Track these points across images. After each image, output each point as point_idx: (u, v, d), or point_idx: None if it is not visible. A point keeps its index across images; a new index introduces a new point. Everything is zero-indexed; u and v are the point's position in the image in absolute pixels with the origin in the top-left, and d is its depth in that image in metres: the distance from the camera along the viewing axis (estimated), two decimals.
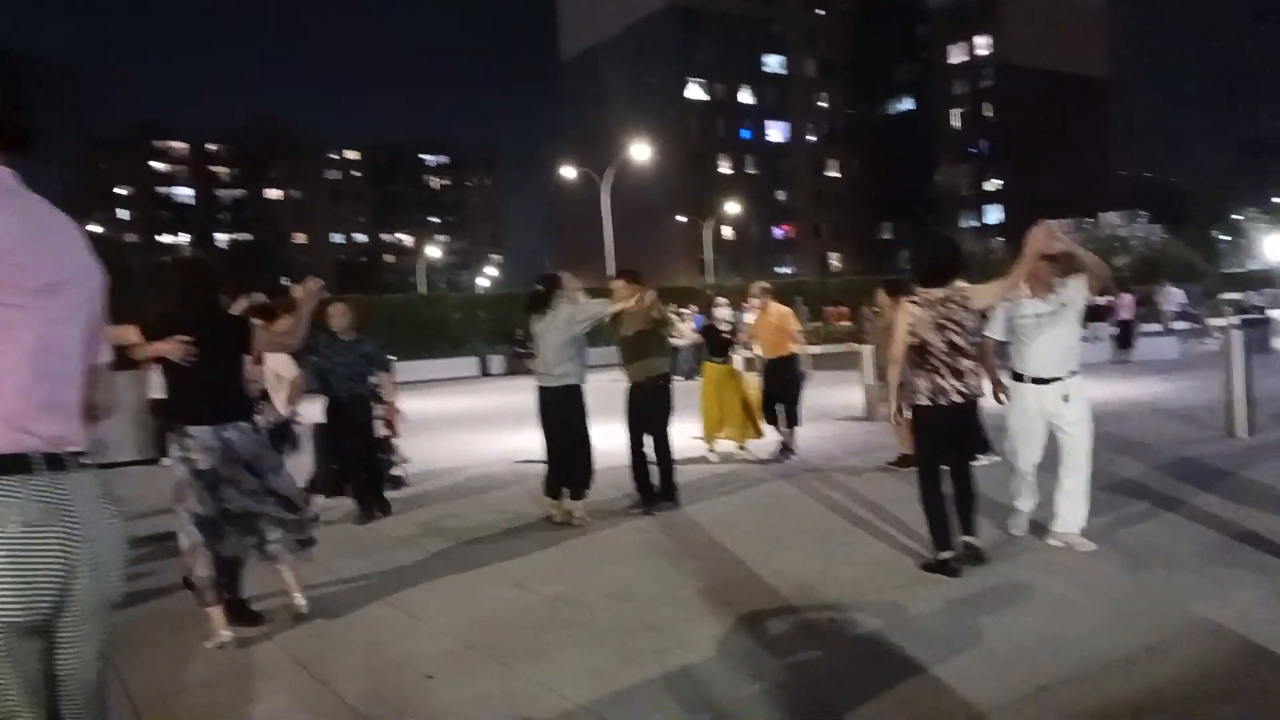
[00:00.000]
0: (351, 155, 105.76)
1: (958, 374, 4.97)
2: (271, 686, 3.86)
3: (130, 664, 4.11)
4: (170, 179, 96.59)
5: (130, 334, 4.27)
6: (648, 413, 6.97)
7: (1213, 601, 4.19)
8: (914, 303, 5.05)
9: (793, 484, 7.79)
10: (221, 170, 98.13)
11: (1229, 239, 71.08)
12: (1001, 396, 5.47)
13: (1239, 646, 3.70)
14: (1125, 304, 20.79)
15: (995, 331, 5.45)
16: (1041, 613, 4.24)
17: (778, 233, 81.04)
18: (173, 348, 4.25)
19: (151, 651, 4.35)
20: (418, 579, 5.39)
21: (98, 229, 38.02)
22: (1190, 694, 3.31)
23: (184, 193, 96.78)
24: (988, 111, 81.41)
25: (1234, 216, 70.98)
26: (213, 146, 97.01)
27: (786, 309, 9.29)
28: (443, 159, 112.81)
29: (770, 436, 9.16)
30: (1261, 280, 50.20)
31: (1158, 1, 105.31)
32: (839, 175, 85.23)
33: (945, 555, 4.91)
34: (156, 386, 11.43)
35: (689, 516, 6.70)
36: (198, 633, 4.41)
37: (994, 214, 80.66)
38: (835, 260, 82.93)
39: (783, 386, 9.01)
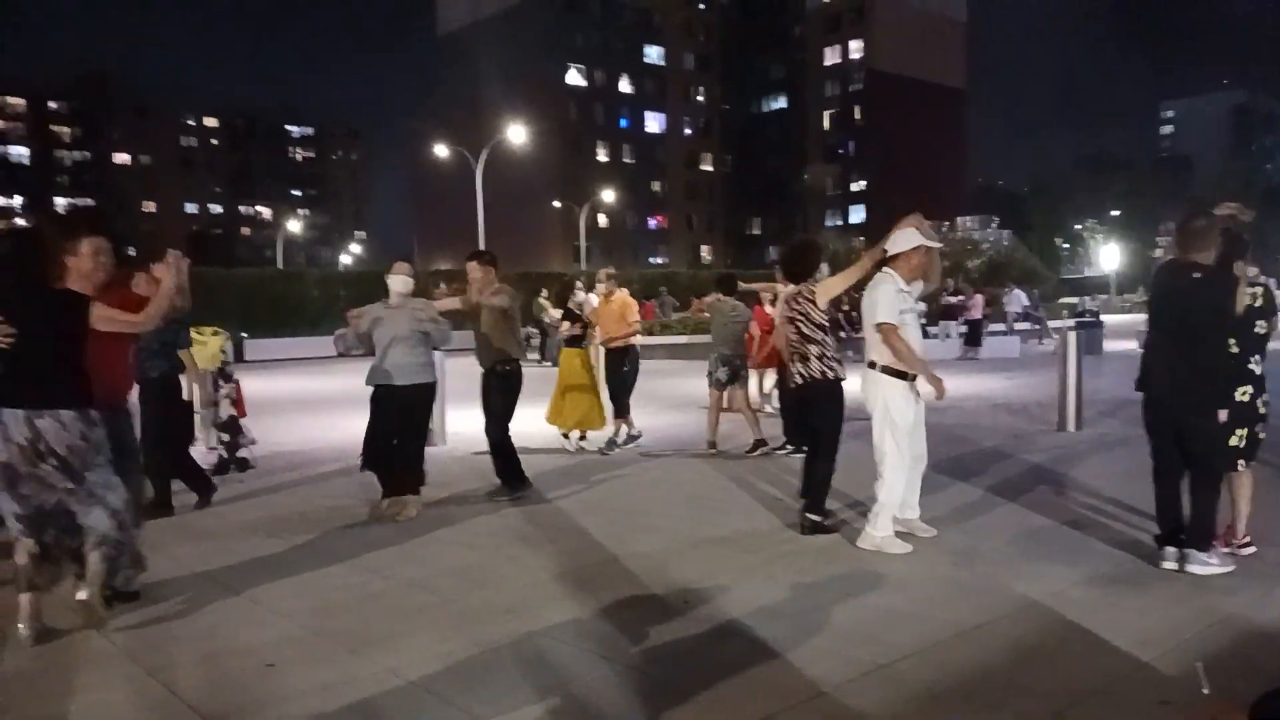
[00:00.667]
0: (209, 122, 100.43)
1: (804, 359, 5.55)
2: (101, 678, 3.62)
3: None
4: (3, 136, 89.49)
5: None
6: (488, 399, 6.86)
7: (1034, 582, 4.49)
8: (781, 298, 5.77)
9: (650, 469, 7.88)
10: (63, 130, 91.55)
11: (1069, 247, 76.08)
12: (937, 389, 5.23)
13: (1055, 622, 3.98)
14: (976, 304, 21.92)
15: (888, 316, 5.16)
16: (884, 593, 4.43)
17: (652, 223, 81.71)
18: None
19: None
20: (262, 565, 5.17)
21: None
22: (1013, 664, 3.53)
23: (19, 151, 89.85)
24: (856, 114, 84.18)
25: (1075, 226, 76.04)
26: (54, 105, 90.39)
27: (629, 299, 9.23)
28: (307, 130, 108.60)
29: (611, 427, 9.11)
30: (1096, 287, 53.96)
31: (1012, 20, 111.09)
32: (712, 169, 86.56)
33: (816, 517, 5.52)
34: None
35: (548, 502, 6.68)
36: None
37: (858, 214, 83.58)
38: (706, 252, 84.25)
39: (614, 376, 9.07)
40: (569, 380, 8.92)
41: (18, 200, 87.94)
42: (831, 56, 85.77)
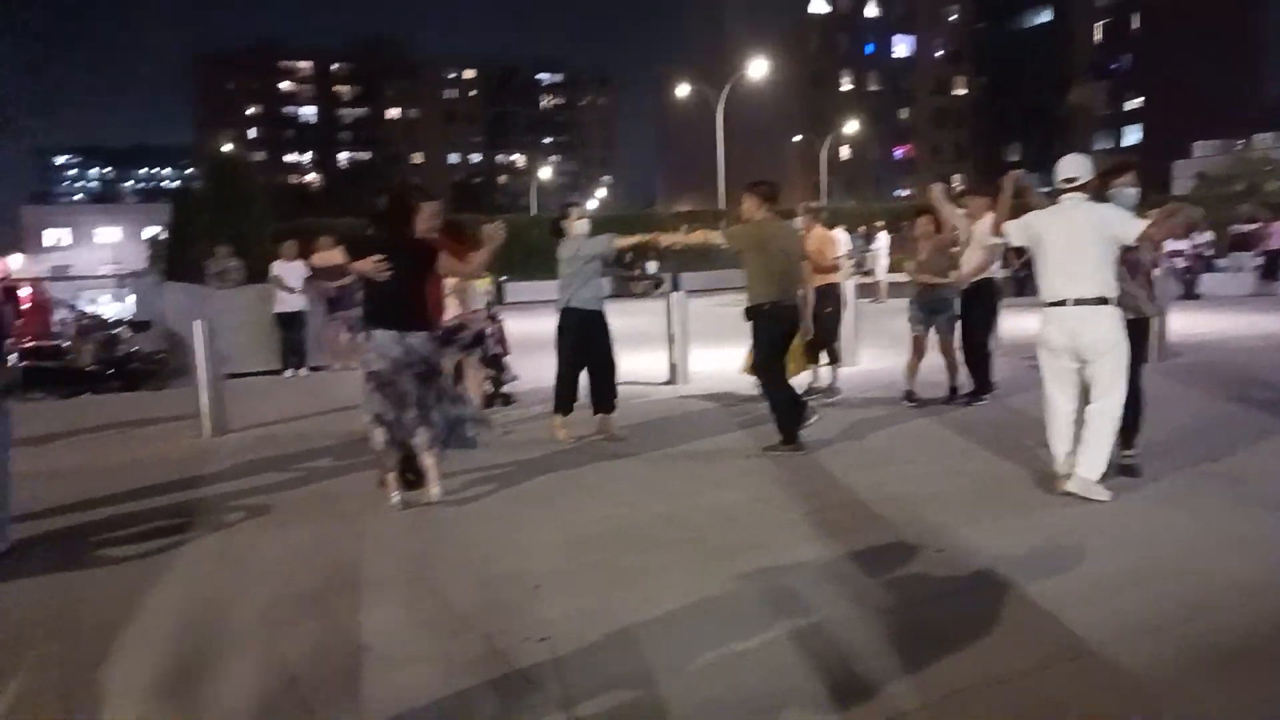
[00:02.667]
0: (468, 75, 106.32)
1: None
2: (385, 596, 4.01)
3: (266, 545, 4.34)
4: (294, 98, 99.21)
5: (337, 255, 5.33)
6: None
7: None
8: None
9: (893, 415, 7.61)
10: (342, 90, 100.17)
11: None
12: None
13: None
14: (1276, 232, 19.36)
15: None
16: (1154, 546, 4.06)
17: (897, 153, 78.20)
18: (369, 265, 5.00)
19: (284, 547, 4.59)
20: (528, 495, 5.50)
21: (229, 148, 39.49)
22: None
23: (307, 112, 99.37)
24: (1133, 23, 75.86)
25: None
26: (334, 66, 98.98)
27: (828, 233, 8.69)
28: (557, 78, 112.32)
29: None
30: None
31: None
32: (964, 93, 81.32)
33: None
34: (281, 301, 11.94)
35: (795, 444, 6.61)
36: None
37: (1133, 134, 75.79)
38: (956, 182, 79.74)
39: (816, 320, 8.14)
40: None
41: (308, 156, 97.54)
42: None
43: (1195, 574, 3.80)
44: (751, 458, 6.21)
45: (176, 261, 22.91)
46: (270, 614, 3.80)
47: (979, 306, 7.77)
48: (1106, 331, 4.78)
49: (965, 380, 7.87)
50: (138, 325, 13.88)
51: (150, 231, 46.49)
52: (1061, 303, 4.83)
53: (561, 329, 6.94)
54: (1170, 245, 18.61)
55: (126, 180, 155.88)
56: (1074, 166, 5.04)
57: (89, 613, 3.88)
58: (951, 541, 4.29)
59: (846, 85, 75.35)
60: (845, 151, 70.69)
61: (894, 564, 4.06)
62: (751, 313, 6.42)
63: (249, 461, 6.77)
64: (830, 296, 8.40)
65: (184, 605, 3.92)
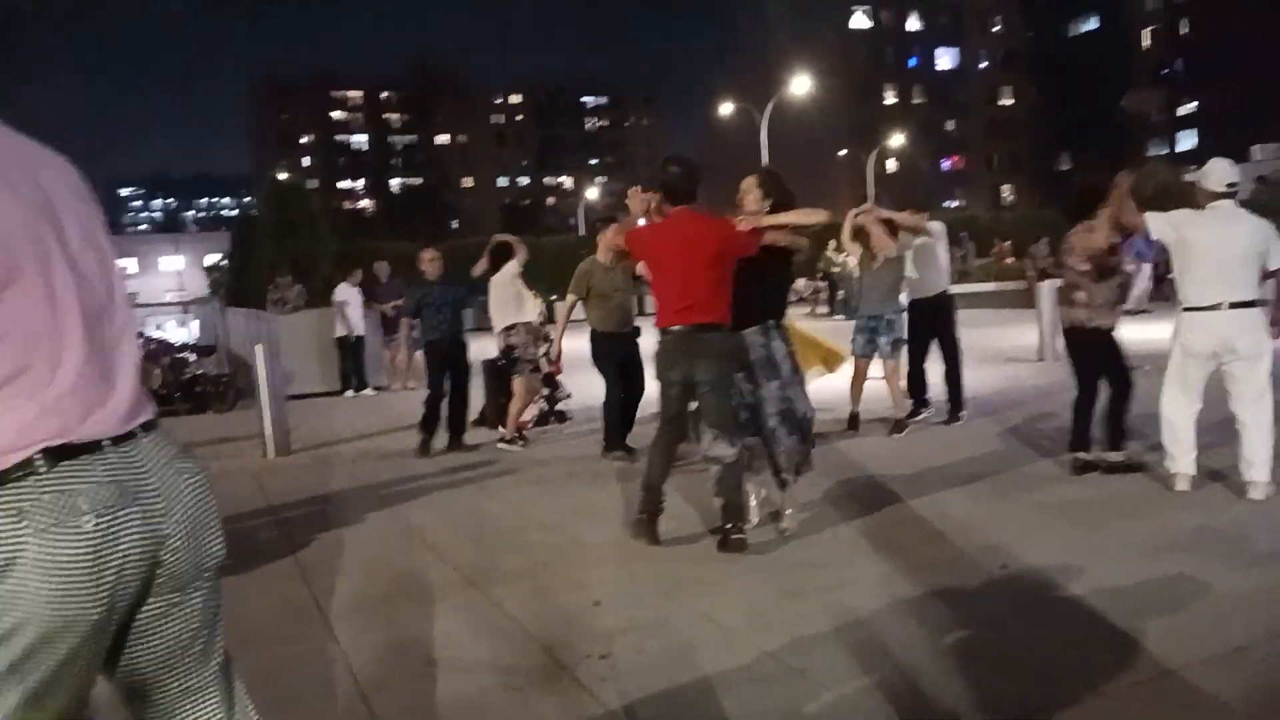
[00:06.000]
0: (515, 99, 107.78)
1: (1071, 303, 5.60)
2: (447, 606, 4.10)
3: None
4: (346, 127, 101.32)
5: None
6: None
7: None
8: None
9: (940, 430, 7.54)
10: (393, 117, 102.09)
11: None
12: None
13: None
14: None
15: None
16: (1236, 568, 3.96)
17: (945, 164, 77.44)
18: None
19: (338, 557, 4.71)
20: (581, 507, 5.58)
21: (284, 176, 40.46)
22: None
23: (359, 139, 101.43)
24: (1184, 28, 74.41)
25: None
26: (385, 94, 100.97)
27: None
28: (602, 100, 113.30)
29: None
30: None
31: None
32: (1013, 103, 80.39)
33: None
34: (341, 325, 12.21)
35: (841, 453, 6.61)
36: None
37: (1188, 139, 74.21)
38: (1008, 192, 78.69)
39: None
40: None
41: (361, 183, 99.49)
42: None
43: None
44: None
45: (238, 287, 23.56)
46: (340, 623, 3.91)
47: (940, 322, 7.63)
48: (1259, 333, 4.87)
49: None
50: (203, 350, 14.28)
51: (212, 259, 47.72)
52: (1215, 306, 4.83)
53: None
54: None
55: (188, 209, 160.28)
56: (1234, 173, 5.11)
57: None
58: (1016, 558, 4.26)
59: (890, 98, 74.91)
60: (891, 164, 70.17)
61: (956, 582, 4.04)
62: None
63: (312, 479, 6.95)
64: None
65: (256, 618, 4.05)
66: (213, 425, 10.39)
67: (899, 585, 4.00)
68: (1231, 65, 69.40)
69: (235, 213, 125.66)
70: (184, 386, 11.96)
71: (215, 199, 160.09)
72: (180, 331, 41.07)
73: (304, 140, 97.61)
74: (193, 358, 13.85)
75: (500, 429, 7.98)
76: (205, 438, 9.35)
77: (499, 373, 8.69)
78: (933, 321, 7.62)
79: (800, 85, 37.25)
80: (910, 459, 6.43)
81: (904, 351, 7.56)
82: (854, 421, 7.52)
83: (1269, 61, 69.47)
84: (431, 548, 4.96)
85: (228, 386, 12.07)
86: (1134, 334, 6.45)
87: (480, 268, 8.04)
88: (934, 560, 4.30)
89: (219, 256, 43.42)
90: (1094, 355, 5.60)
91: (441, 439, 7.75)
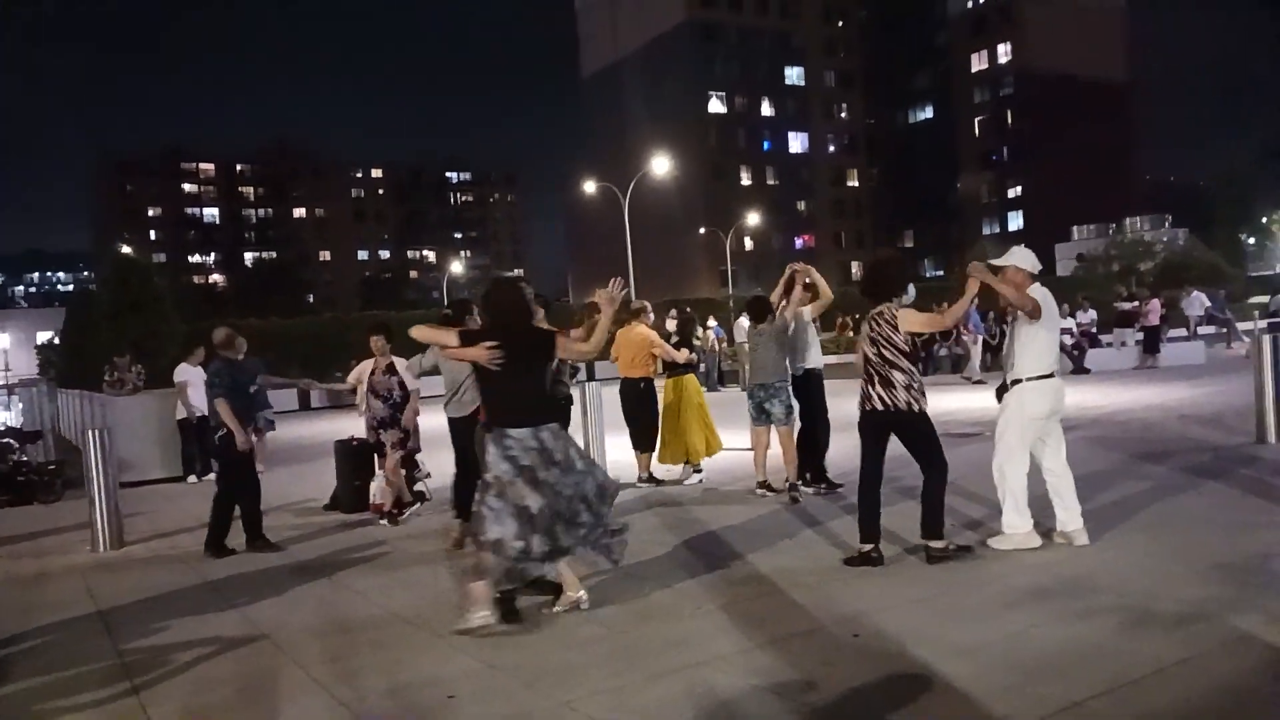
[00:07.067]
0: (376, 174, 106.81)
1: (888, 385, 5.40)
2: (294, 710, 3.86)
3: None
4: (197, 200, 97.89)
5: (449, 337, 4.85)
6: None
7: (1247, 614, 4.10)
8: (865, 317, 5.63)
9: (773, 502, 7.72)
10: (247, 190, 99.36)
11: (1255, 242, 70.22)
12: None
13: (1273, 660, 3.63)
14: (1153, 309, 20.57)
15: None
16: (1066, 622, 4.15)
17: (798, 242, 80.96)
18: (482, 352, 4.69)
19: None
20: (433, 595, 5.38)
21: (128, 250, 38.54)
22: (1224, 710, 3.25)
23: (211, 213, 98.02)
24: (1009, 119, 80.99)
25: (1263, 219, 70.08)
26: (239, 167, 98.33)
27: (647, 330, 8.78)
28: (465, 176, 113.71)
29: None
30: None
31: (1176, 4, 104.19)
32: (858, 184, 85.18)
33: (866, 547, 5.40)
34: (182, 408, 11.57)
35: (703, 525, 6.65)
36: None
37: (1016, 220, 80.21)
38: (857, 269, 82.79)
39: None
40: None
41: (212, 257, 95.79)
42: (979, 62, 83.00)
43: (1113, 655, 3.90)
44: (656, 539, 6.21)
45: (70, 368, 22.09)
46: None
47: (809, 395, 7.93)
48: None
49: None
50: (27, 435, 13.21)
51: (44, 336, 44.68)
52: (1051, 375, 5.43)
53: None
54: (1061, 323, 19.61)
55: (18, 285, 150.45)
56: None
57: None
58: (864, 625, 4.34)
59: (746, 179, 78.10)
60: (749, 242, 72.83)
61: (811, 653, 4.08)
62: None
63: (147, 576, 6.47)
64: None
65: None
66: (37, 518, 9.59)
67: (761, 658, 4.01)
68: (1052, 153, 75.80)
69: (70, 289, 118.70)
70: (6, 476, 11.02)
71: (49, 273, 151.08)
72: (3, 414, 38.03)
73: (151, 213, 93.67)
74: (15, 445, 12.80)
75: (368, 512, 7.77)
76: (27, 531, 8.64)
77: (358, 454, 8.41)
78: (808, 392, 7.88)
79: (660, 166, 38.39)
80: (771, 528, 6.52)
81: (795, 417, 7.76)
82: (766, 488, 7.77)
83: (1086, 149, 76.26)
84: (279, 647, 4.67)
85: (54, 475, 11.19)
86: (976, 402, 6.76)
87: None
88: (793, 630, 4.34)
89: (50, 334, 40.74)
90: (915, 438, 5.45)
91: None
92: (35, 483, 10.99)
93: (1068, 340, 19.15)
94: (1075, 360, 18.99)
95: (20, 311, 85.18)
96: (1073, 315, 20.49)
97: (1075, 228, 69.42)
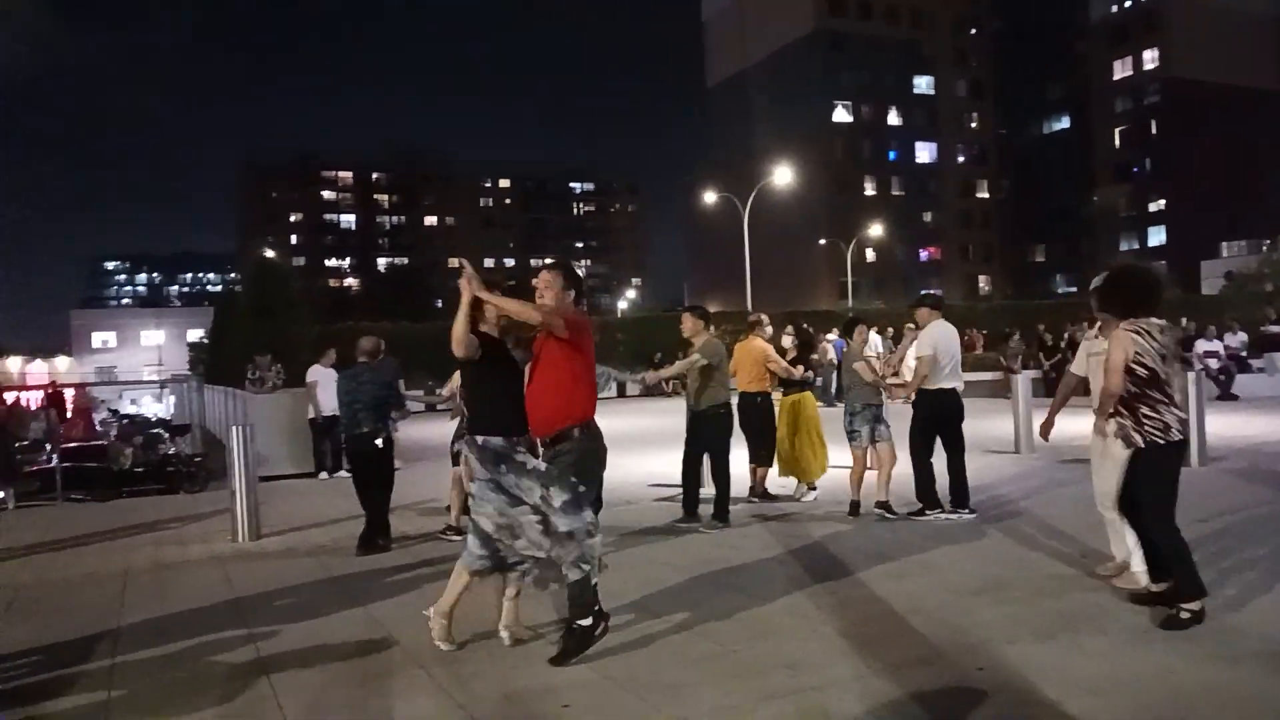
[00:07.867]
0: (504, 184, 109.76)
1: (1149, 417, 4.67)
2: (413, 709, 3.98)
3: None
4: (335, 206, 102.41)
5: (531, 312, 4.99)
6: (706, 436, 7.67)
7: None
8: (1137, 332, 4.67)
9: (903, 524, 7.51)
10: (382, 198, 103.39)
11: None
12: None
13: None
14: None
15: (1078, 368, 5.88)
16: (1203, 664, 3.92)
17: (923, 254, 78.96)
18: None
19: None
20: (554, 605, 5.45)
21: (270, 254, 40.65)
22: None
23: (348, 219, 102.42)
24: (1152, 128, 77.01)
25: None
26: (375, 176, 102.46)
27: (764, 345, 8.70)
28: (588, 186, 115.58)
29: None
30: None
31: None
32: (988, 196, 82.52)
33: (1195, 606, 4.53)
34: (314, 406, 12.12)
35: (821, 546, 6.55)
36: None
37: (1157, 236, 76.14)
38: (984, 283, 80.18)
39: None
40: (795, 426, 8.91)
41: (347, 261, 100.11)
42: (1121, 70, 79.09)
43: (1254, 700, 3.67)
44: (774, 557, 6.15)
45: (217, 365, 23.41)
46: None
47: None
48: None
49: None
50: (177, 428, 14.10)
51: (194, 334, 47.56)
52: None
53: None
54: (1204, 346, 18.52)
55: (172, 285, 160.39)
56: None
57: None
58: (991, 657, 4.19)
59: (870, 190, 76.69)
60: (870, 253, 71.43)
61: (931, 683, 3.97)
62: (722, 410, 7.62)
63: (281, 568, 6.80)
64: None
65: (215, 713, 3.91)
66: (182, 506, 10.21)
67: (878, 685, 3.92)
68: (1198, 165, 71.66)
69: (220, 289, 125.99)
70: (155, 466, 11.78)
71: (201, 275, 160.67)
72: (156, 407, 40.67)
73: (293, 218, 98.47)
74: (166, 436, 13.68)
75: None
76: (173, 517, 9.22)
77: None
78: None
79: (782, 176, 38.11)
80: (891, 550, 6.38)
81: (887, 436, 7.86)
82: (854, 509, 7.81)
83: (1236, 161, 71.79)
84: (402, 647, 4.83)
85: (200, 466, 11.90)
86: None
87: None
88: (913, 657, 4.23)
89: (201, 333, 43.29)
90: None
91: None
92: (182, 473, 11.71)
93: (1214, 364, 18.07)
94: (1222, 386, 17.90)
95: (174, 310, 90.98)
96: (1220, 338, 19.33)
97: (1224, 244, 65.39)
